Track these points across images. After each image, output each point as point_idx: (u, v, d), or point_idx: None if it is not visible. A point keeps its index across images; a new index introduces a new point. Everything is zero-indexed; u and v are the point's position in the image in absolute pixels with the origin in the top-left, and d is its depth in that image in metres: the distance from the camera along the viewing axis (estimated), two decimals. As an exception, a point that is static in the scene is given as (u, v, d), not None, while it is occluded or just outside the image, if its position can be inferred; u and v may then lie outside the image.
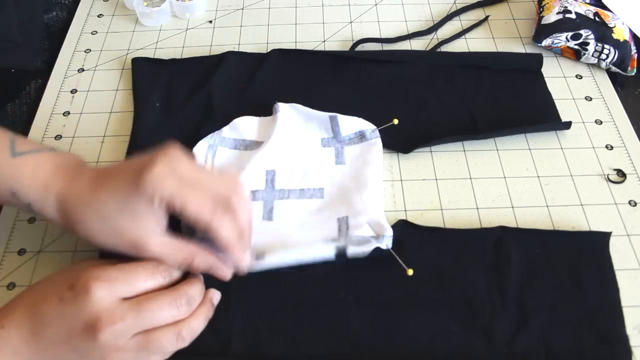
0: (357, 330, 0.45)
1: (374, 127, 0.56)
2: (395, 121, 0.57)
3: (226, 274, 0.44)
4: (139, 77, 0.63)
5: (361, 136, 0.56)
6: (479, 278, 0.48)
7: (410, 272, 0.46)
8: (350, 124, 0.56)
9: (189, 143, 0.55)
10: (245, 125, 0.56)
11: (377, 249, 0.47)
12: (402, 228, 0.51)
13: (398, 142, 0.57)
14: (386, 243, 0.48)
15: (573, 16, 0.64)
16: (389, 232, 0.48)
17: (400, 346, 0.44)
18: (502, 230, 0.50)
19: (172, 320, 0.40)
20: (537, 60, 0.64)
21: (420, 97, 0.61)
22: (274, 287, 0.47)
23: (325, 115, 0.56)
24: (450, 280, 0.48)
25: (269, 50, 0.65)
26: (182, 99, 0.61)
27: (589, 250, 0.49)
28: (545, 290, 0.47)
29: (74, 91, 0.64)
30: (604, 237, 0.50)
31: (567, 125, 0.58)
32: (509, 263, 0.48)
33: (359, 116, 0.57)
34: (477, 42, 0.68)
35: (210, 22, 0.71)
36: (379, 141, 0.56)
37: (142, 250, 0.41)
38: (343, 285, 0.47)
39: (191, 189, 0.40)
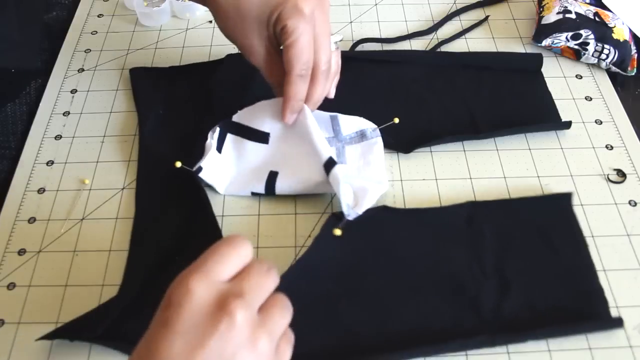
0: (350, 321, 0.46)
1: (374, 126, 0.56)
2: (396, 120, 0.57)
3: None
4: (138, 87, 0.63)
5: (362, 135, 0.56)
6: (458, 253, 0.49)
7: (338, 232, 0.48)
8: (351, 123, 0.56)
9: (195, 146, 0.55)
10: (253, 114, 0.55)
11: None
12: (382, 213, 0.51)
13: (398, 142, 0.57)
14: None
15: (573, 16, 0.64)
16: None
17: (393, 331, 0.45)
18: (472, 205, 0.52)
19: (273, 287, 0.36)
20: (537, 60, 0.64)
21: (421, 97, 0.61)
22: None
23: (326, 114, 0.56)
24: (431, 259, 0.49)
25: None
26: (184, 103, 0.61)
27: (554, 213, 0.52)
28: (520, 256, 0.49)
29: (74, 91, 0.64)
30: (566, 198, 0.52)
31: (567, 125, 0.58)
32: (482, 235, 0.50)
33: (359, 116, 0.57)
34: (477, 42, 0.68)
35: (210, 22, 0.71)
36: (379, 140, 0.56)
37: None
38: (334, 276, 0.48)
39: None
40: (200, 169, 0.52)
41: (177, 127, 0.59)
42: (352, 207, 0.50)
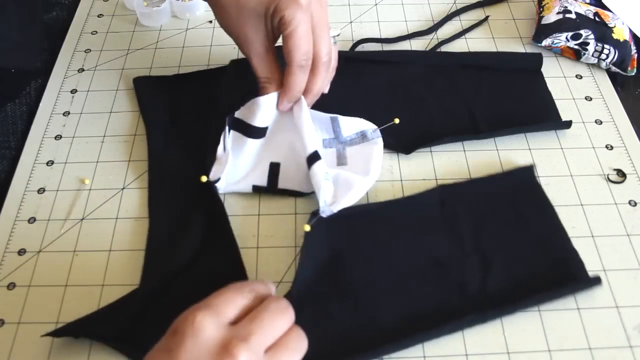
0: (341, 319, 0.46)
1: (375, 127, 0.56)
2: (397, 120, 0.57)
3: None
4: (142, 96, 0.62)
5: (362, 136, 0.56)
6: (436, 238, 0.50)
7: (307, 227, 0.48)
8: (352, 124, 0.56)
9: (206, 153, 0.55)
10: (252, 111, 0.54)
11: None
12: (358, 209, 0.51)
13: (399, 142, 0.57)
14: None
15: (573, 16, 0.64)
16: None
17: (385, 323, 0.46)
18: (442, 188, 0.53)
19: (287, 326, 0.37)
20: (537, 59, 0.64)
21: (421, 97, 0.61)
22: None
23: (326, 116, 0.56)
24: (411, 248, 0.50)
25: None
26: (191, 110, 0.60)
27: (519, 186, 0.54)
28: (495, 231, 0.51)
29: (74, 91, 0.64)
30: (528, 170, 0.54)
31: (568, 124, 0.58)
32: (456, 216, 0.52)
33: (359, 117, 0.57)
34: (477, 42, 0.68)
35: (210, 22, 0.71)
36: (380, 141, 0.55)
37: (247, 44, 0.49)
38: (323, 277, 0.48)
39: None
40: (218, 180, 0.52)
41: (185, 135, 0.58)
42: (329, 204, 0.50)
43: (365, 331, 0.45)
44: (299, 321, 0.45)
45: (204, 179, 0.51)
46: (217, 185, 0.53)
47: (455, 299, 0.47)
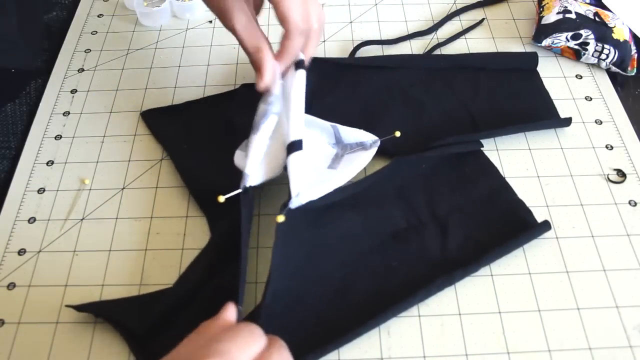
0: (316, 308, 0.46)
1: (375, 137, 0.55)
2: (397, 133, 0.56)
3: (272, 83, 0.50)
4: (154, 127, 0.61)
5: (361, 147, 0.55)
6: (392, 212, 0.52)
7: (281, 218, 0.46)
8: (351, 134, 0.55)
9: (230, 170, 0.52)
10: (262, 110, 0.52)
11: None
12: (321, 199, 0.50)
13: (398, 149, 0.56)
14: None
15: (573, 16, 0.64)
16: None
17: (358, 305, 0.46)
18: (394, 162, 0.54)
19: None
20: (532, 58, 0.64)
21: (419, 101, 0.61)
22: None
23: (327, 123, 0.55)
24: (372, 225, 0.51)
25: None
26: (207, 136, 0.59)
27: (465, 152, 0.56)
28: (446, 196, 0.53)
29: (74, 91, 0.64)
30: (477, 144, 0.56)
31: (568, 121, 0.58)
32: (408, 188, 0.53)
33: (358, 123, 0.55)
34: (477, 43, 0.68)
35: (210, 22, 0.71)
36: (374, 150, 0.54)
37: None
38: (290, 270, 0.48)
39: None
40: (245, 188, 0.48)
41: (208, 157, 0.57)
42: (296, 195, 0.48)
43: (341, 314, 0.46)
44: (275, 314, 0.45)
45: (221, 199, 0.47)
46: (248, 180, 0.49)
47: (421, 268, 0.48)
